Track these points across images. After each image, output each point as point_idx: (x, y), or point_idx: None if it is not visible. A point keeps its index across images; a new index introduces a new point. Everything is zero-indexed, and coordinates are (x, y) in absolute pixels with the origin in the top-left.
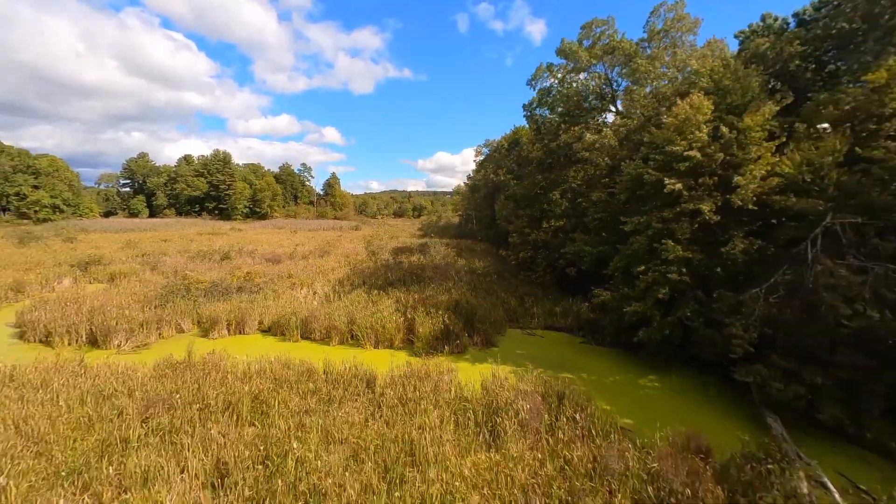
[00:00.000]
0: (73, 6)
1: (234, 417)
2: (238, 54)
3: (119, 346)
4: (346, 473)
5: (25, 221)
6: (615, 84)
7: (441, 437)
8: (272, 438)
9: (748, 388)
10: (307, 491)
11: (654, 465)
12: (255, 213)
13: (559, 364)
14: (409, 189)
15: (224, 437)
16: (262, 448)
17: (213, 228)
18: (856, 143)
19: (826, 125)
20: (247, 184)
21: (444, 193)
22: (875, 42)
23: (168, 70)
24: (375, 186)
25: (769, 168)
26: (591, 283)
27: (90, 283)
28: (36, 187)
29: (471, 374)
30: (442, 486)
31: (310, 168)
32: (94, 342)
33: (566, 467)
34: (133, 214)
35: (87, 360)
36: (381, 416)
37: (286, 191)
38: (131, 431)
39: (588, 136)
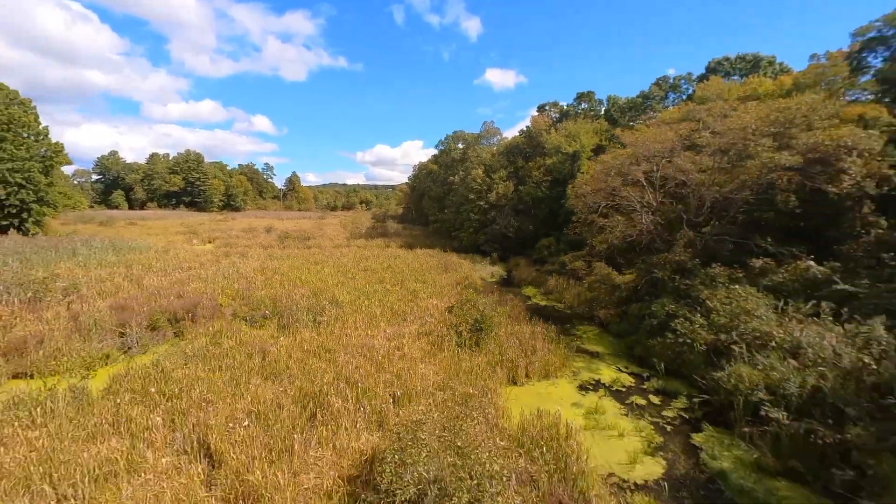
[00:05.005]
0: None
1: (349, 260)
2: (150, 31)
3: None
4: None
5: None
6: (467, 154)
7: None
8: (365, 258)
9: (487, 252)
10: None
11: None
12: (230, 205)
13: (441, 255)
14: (349, 182)
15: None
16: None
17: (212, 217)
18: (519, 183)
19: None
20: (220, 181)
21: (386, 187)
22: (533, 150)
23: (63, 43)
24: (312, 179)
25: (499, 191)
26: (457, 231)
27: (206, 242)
28: None
29: (411, 253)
30: (403, 260)
31: (272, 167)
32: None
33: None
34: (113, 207)
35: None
36: (388, 252)
37: (253, 187)
38: (340, 256)
39: (452, 178)
